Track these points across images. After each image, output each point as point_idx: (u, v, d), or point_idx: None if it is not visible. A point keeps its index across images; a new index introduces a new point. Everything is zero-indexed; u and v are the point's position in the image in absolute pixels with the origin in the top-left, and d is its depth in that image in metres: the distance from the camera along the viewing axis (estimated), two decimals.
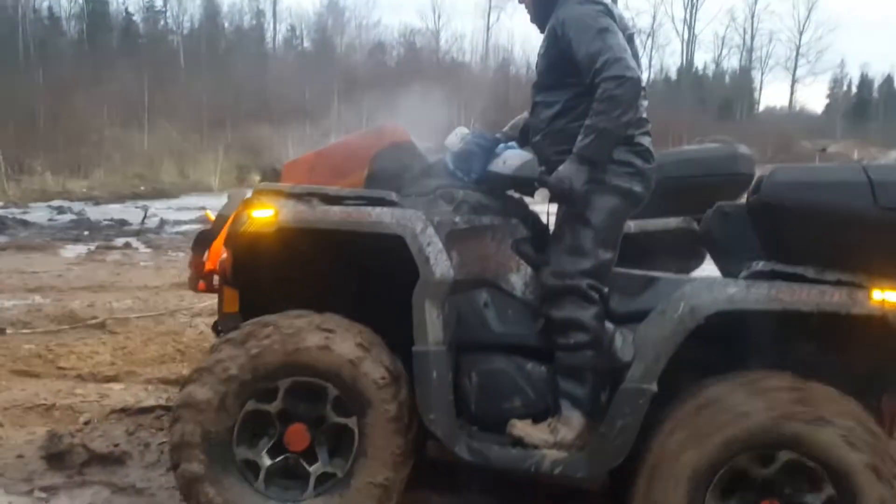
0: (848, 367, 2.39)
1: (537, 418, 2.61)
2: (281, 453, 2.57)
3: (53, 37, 32.54)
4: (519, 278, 2.76)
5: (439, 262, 2.54)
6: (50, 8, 34.27)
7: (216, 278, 2.86)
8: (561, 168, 2.57)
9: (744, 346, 2.45)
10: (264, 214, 2.56)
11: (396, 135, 3.14)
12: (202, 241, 2.78)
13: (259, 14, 38.39)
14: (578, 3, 2.60)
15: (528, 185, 2.79)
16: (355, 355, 2.53)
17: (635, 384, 2.34)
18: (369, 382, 2.50)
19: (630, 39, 2.70)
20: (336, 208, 2.61)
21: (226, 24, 38.60)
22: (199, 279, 2.85)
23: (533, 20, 2.87)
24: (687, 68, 43.73)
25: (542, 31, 2.81)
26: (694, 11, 43.03)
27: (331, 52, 35.44)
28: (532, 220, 2.87)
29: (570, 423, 2.53)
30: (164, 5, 36.79)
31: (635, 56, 2.67)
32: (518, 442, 2.56)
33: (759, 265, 2.36)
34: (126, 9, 36.88)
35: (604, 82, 2.47)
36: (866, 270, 2.20)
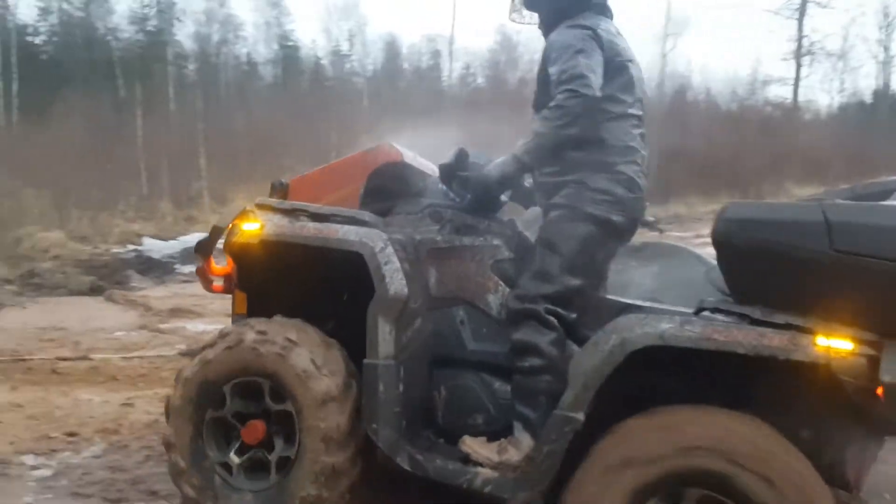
0: (808, 416, 2.26)
1: (496, 436, 2.63)
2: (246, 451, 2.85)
3: (252, 80, 35.25)
4: (496, 298, 2.80)
5: (394, 281, 2.65)
6: (248, 54, 37.22)
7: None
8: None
9: (704, 380, 2.36)
10: (252, 227, 2.84)
11: (390, 155, 3.32)
12: (199, 249, 3.11)
13: (436, 54, 39.65)
14: (567, 28, 2.69)
15: (462, 181, 2.85)
16: (283, 347, 2.74)
17: (563, 412, 2.32)
18: (293, 372, 2.71)
19: (623, 67, 2.72)
20: (311, 224, 2.83)
21: (405, 65, 40.26)
22: (208, 282, 3.17)
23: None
24: (883, 91, 40.43)
25: None
26: (889, 31, 39.86)
27: (503, 87, 36.00)
28: (518, 242, 2.89)
29: (519, 446, 2.53)
30: (350, 49, 38.89)
31: (630, 83, 2.74)
32: (466, 458, 2.60)
33: (709, 300, 2.28)
34: (315, 53, 39.38)
35: (560, 93, 2.52)
36: (818, 315, 2.04)
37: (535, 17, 3.05)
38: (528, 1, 3.05)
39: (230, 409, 2.87)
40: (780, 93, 32.35)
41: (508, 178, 2.75)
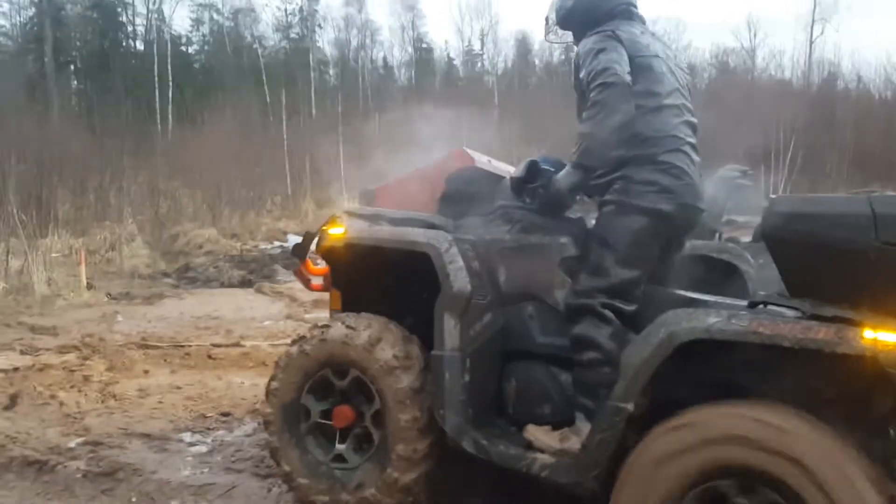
0: (860, 409, 2.17)
1: (562, 426, 2.69)
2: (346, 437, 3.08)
3: (387, 83, 36.16)
4: (563, 294, 2.83)
5: (458, 279, 2.81)
6: (384, 58, 38.21)
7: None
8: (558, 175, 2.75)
9: (766, 375, 2.32)
10: (337, 232, 3.08)
11: (463, 160, 3.50)
12: (295, 252, 3.36)
13: (568, 48, 39.26)
14: (589, 36, 2.78)
15: (532, 192, 2.92)
16: (321, 332, 3.03)
17: (614, 402, 2.34)
18: (339, 344, 2.97)
19: (649, 63, 2.77)
20: (386, 228, 3.09)
21: (536, 61, 40.10)
22: (307, 281, 3.42)
23: None
24: None
25: None
26: None
27: None
28: (585, 240, 2.92)
29: (581, 435, 2.56)
30: (482, 48, 39.15)
31: (661, 75, 2.78)
32: (528, 445, 2.67)
33: (762, 294, 2.26)
34: (448, 54, 39.92)
35: (591, 92, 2.59)
36: (867, 308, 1.96)
37: (569, 35, 3.15)
38: (560, 20, 3.13)
39: (316, 413, 3.10)
40: None
41: (577, 187, 2.82)
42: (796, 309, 2.19)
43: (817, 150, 24.43)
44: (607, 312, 2.67)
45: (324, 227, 3.18)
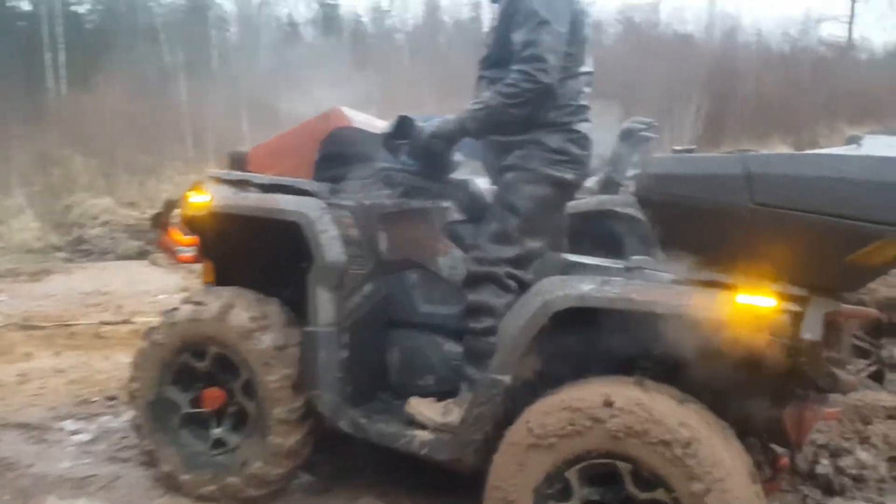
0: (736, 373, 2.11)
1: (447, 396, 2.62)
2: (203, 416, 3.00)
3: (292, 41, 35.20)
4: (447, 261, 2.79)
5: (332, 249, 2.63)
6: (289, 15, 37.14)
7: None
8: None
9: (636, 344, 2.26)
10: (200, 199, 2.88)
11: (340, 120, 3.31)
12: (155, 223, 3.20)
13: (476, 6, 39.02)
14: None
15: (404, 148, 2.80)
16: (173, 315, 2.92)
17: (492, 374, 2.28)
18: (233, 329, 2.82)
19: (581, 24, 2.63)
20: (252, 195, 2.87)
21: (445, 18, 39.70)
22: (172, 253, 3.22)
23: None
24: None
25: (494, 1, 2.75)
26: None
27: None
28: (472, 203, 2.87)
29: (463, 407, 2.48)
30: (390, 5, 38.54)
31: (585, 39, 2.63)
32: (410, 420, 2.60)
33: (638, 258, 2.25)
34: (356, 11, 39.14)
35: (518, 72, 2.46)
36: (742, 270, 1.95)
37: None
38: None
39: (184, 404, 2.99)
40: (834, 31, 31.03)
41: (445, 137, 2.70)
42: (671, 273, 2.15)
43: (721, 103, 25.16)
44: (511, 282, 2.60)
45: (186, 195, 2.95)
